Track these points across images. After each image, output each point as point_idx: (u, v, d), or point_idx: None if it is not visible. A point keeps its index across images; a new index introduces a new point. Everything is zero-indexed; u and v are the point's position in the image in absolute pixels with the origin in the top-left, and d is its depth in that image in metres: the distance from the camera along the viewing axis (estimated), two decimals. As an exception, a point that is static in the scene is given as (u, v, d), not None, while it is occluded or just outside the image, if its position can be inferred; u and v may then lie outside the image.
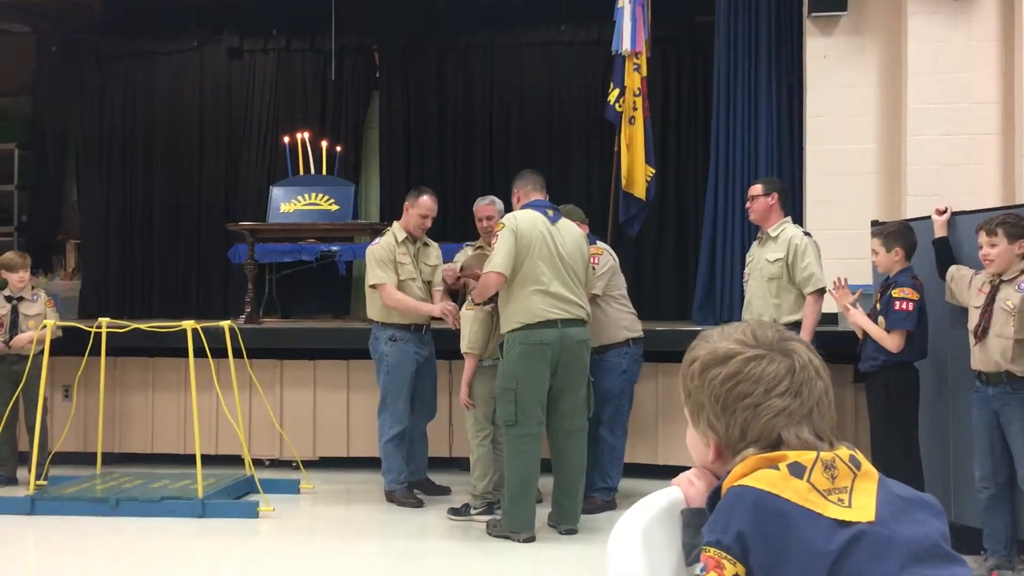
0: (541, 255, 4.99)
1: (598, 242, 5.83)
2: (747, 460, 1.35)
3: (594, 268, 5.56)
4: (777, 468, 1.31)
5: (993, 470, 4.37)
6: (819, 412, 1.38)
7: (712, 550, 1.29)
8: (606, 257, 5.73)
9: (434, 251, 6.15)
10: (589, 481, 5.40)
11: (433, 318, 5.99)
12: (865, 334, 4.89)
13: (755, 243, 5.71)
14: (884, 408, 4.83)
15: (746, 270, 5.70)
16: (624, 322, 5.72)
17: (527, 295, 4.98)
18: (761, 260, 5.48)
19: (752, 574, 1.27)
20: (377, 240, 5.96)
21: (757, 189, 5.61)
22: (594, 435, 5.50)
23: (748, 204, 5.65)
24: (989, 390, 4.37)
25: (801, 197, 7.37)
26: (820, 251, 5.46)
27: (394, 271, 5.82)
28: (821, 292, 5.31)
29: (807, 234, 5.50)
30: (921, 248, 4.92)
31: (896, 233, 4.88)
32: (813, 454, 1.33)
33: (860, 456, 1.37)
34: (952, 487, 4.87)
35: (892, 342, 4.71)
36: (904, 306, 4.67)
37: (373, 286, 5.84)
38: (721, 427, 1.41)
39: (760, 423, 1.37)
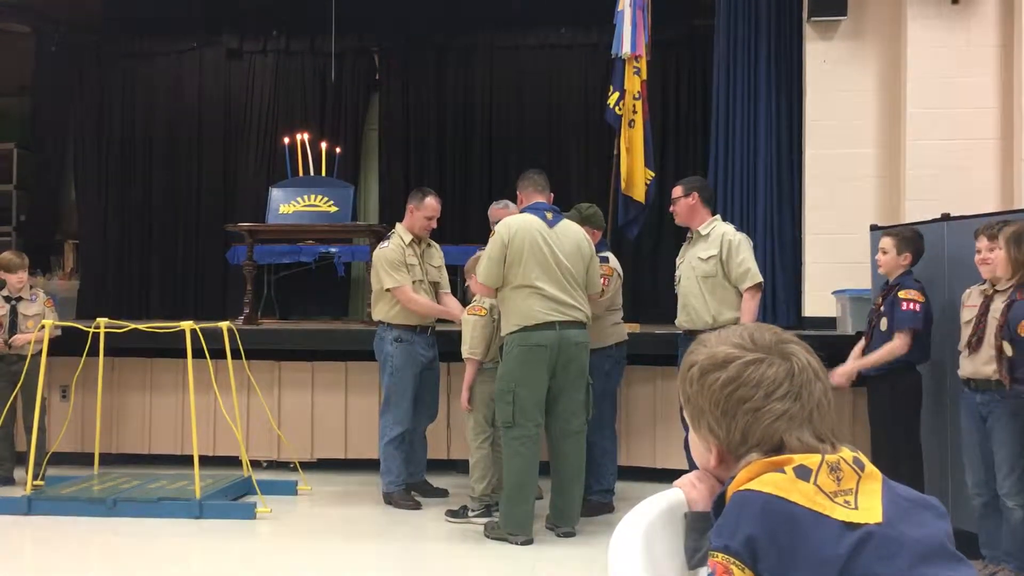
0: (536, 259, 4.99)
1: (610, 259, 5.70)
2: (752, 464, 1.34)
3: (603, 291, 5.45)
4: (783, 471, 1.31)
5: (986, 477, 4.37)
6: (819, 414, 1.38)
7: (720, 555, 1.28)
8: (615, 278, 5.67)
9: (437, 252, 6.16)
10: (585, 484, 5.39)
11: (439, 320, 6.00)
12: (870, 336, 4.91)
13: (684, 244, 5.57)
14: (888, 411, 4.82)
15: (676, 272, 5.56)
16: (611, 328, 5.68)
17: (524, 298, 4.99)
18: (693, 259, 5.37)
19: None
20: (385, 243, 5.93)
21: (677, 191, 5.50)
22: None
23: (671, 207, 5.55)
24: (977, 397, 4.37)
25: (800, 200, 7.38)
26: (752, 246, 5.38)
27: (408, 272, 5.83)
28: (758, 287, 5.26)
29: (739, 230, 5.42)
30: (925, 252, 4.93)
31: (910, 240, 4.89)
32: (818, 456, 1.33)
33: (863, 457, 1.37)
34: (950, 492, 4.87)
35: (900, 342, 4.71)
36: (911, 306, 4.69)
37: (388, 289, 5.82)
38: (722, 432, 1.40)
39: (761, 427, 1.36)
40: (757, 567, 1.26)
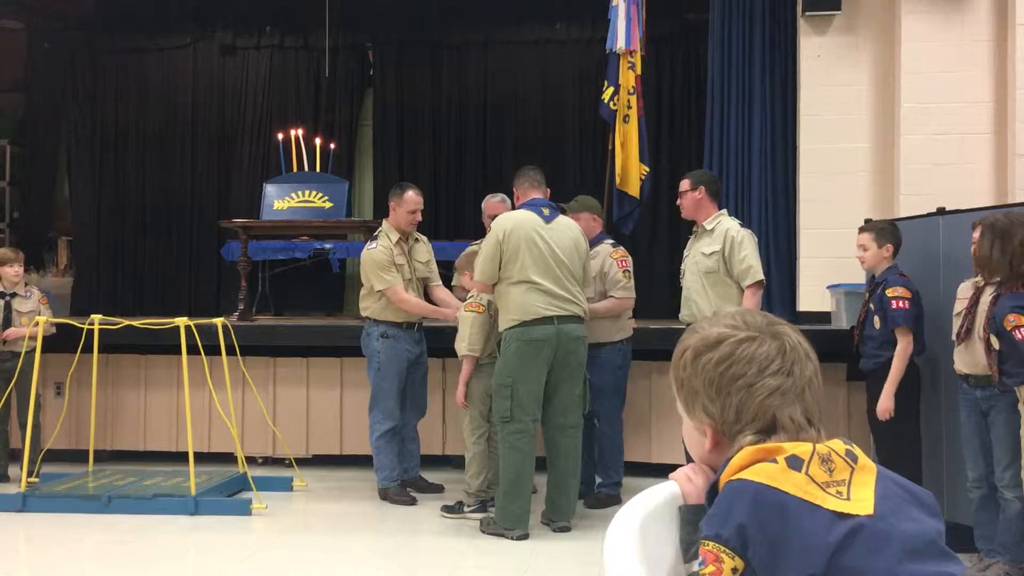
0: (532, 256, 5.01)
1: (619, 246, 5.83)
2: (744, 453, 1.35)
3: (629, 272, 5.68)
4: (775, 461, 1.32)
5: (986, 471, 4.38)
6: (811, 393, 1.40)
7: (711, 544, 1.29)
8: (630, 259, 5.82)
9: (425, 247, 6.14)
10: (593, 477, 5.42)
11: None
12: (862, 330, 4.91)
13: (691, 238, 5.57)
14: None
15: (682, 265, 5.56)
16: (622, 323, 5.76)
17: (521, 293, 5.00)
18: (697, 254, 5.38)
19: (751, 567, 1.27)
20: (372, 244, 5.92)
21: (684, 184, 5.48)
22: (595, 431, 5.51)
23: (678, 200, 5.54)
24: (976, 392, 4.37)
25: (794, 195, 7.38)
26: (757, 242, 5.37)
27: (397, 271, 5.82)
28: (760, 284, 5.25)
29: (743, 226, 5.40)
30: (908, 246, 4.93)
31: (888, 231, 4.90)
32: (809, 447, 1.34)
33: (857, 450, 1.38)
34: (945, 484, 4.88)
35: (904, 342, 4.70)
36: (901, 304, 4.69)
37: (381, 291, 5.80)
38: (716, 410, 1.41)
39: (755, 403, 1.38)
40: (747, 555, 1.27)
